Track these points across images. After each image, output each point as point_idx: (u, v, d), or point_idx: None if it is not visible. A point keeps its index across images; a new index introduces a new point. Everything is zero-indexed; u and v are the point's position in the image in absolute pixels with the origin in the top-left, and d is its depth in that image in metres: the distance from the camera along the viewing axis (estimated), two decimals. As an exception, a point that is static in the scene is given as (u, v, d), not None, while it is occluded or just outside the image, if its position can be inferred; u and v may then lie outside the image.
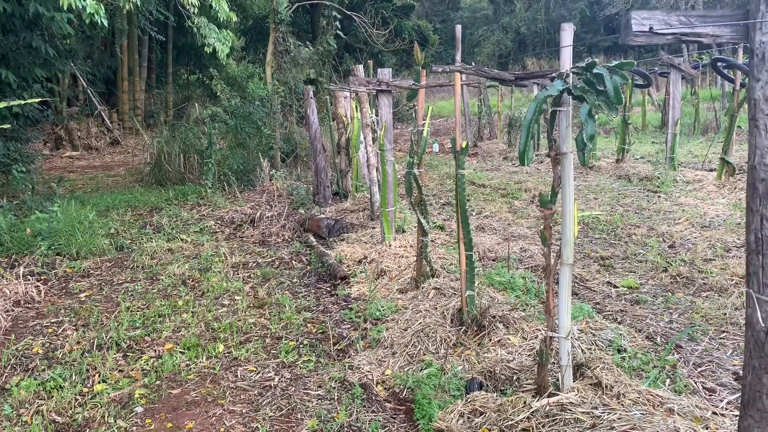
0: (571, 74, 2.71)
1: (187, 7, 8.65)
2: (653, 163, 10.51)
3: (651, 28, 2.05)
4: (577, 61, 2.80)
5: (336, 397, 3.46)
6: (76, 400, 3.52)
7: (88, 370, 3.88)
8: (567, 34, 2.89)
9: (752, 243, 2.02)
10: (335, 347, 4.17)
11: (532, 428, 2.78)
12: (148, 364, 3.97)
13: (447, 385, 3.43)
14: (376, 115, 7.12)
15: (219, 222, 8.04)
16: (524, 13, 38.38)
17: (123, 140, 18.07)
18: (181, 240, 7.16)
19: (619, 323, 4.23)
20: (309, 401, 3.44)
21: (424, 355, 3.84)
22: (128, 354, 4.16)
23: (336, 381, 3.63)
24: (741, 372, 2.35)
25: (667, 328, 4.17)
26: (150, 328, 4.58)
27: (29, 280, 5.60)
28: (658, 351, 3.76)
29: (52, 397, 3.54)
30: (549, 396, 2.97)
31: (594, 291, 4.98)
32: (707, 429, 2.75)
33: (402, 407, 3.37)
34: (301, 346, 4.22)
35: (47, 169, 13.34)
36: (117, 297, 5.34)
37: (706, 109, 15.85)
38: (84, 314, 4.90)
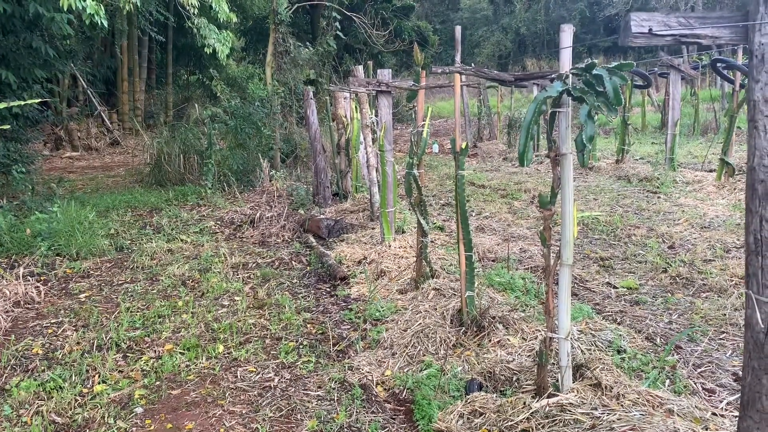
0: (570, 75, 2.72)
1: (187, 7, 8.65)
2: (653, 164, 10.51)
3: (650, 29, 2.06)
4: (576, 61, 2.81)
5: (336, 398, 3.46)
6: (76, 400, 3.52)
7: (87, 371, 3.88)
8: (566, 35, 2.89)
9: (751, 244, 2.03)
10: (335, 348, 4.17)
11: (532, 429, 2.78)
12: (147, 365, 3.97)
13: (447, 385, 3.43)
14: (376, 116, 7.13)
15: (219, 222, 8.05)
16: (524, 14, 38.40)
17: (123, 141, 18.08)
18: (181, 240, 7.16)
19: (619, 324, 4.24)
20: (309, 402, 3.44)
21: (424, 355, 3.84)
22: (128, 355, 4.16)
23: (336, 382, 3.64)
24: (740, 373, 2.35)
25: (667, 329, 4.17)
26: (150, 328, 4.59)
27: (29, 280, 5.60)
28: (657, 352, 3.77)
29: (52, 397, 3.54)
30: (549, 397, 2.97)
31: (593, 292, 4.98)
32: (707, 430, 2.75)
33: (402, 408, 3.37)
34: (301, 346, 4.22)
35: (47, 169, 13.34)
36: (117, 297, 5.34)
37: (705, 109, 15.86)
38: (84, 315, 4.90)
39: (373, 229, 6.93)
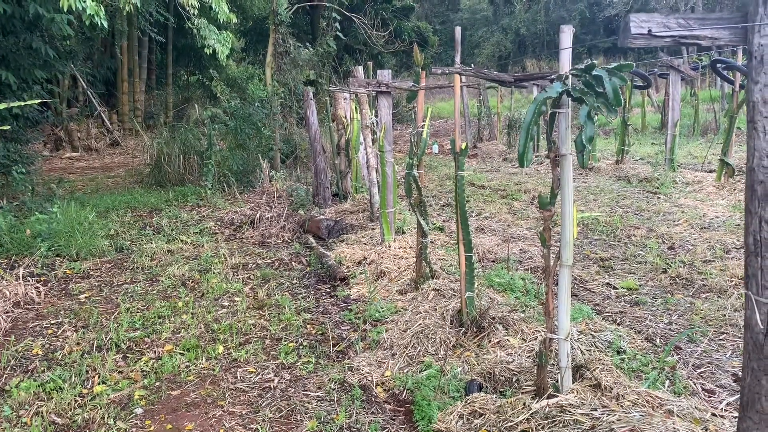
0: (570, 76, 2.72)
1: (187, 8, 8.65)
2: (653, 165, 10.51)
3: (650, 30, 2.06)
4: (576, 62, 2.81)
5: (335, 399, 3.46)
6: (76, 401, 3.52)
7: (87, 372, 3.88)
8: (566, 36, 2.90)
9: (751, 245, 2.03)
10: (335, 348, 4.17)
11: (532, 430, 2.78)
12: (147, 366, 3.98)
13: (446, 386, 3.43)
14: (376, 117, 7.13)
15: (219, 223, 8.05)
16: (524, 15, 38.41)
17: (123, 141, 18.08)
18: (181, 241, 7.16)
19: (619, 324, 4.24)
20: (308, 402, 3.45)
21: (424, 356, 3.84)
22: (128, 355, 4.16)
23: (335, 382, 3.64)
24: (740, 374, 2.35)
25: (667, 330, 4.18)
26: (150, 329, 4.59)
27: (29, 281, 5.60)
28: (657, 352, 3.77)
29: (52, 398, 3.54)
30: (548, 397, 2.97)
31: (593, 292, 4.98)
32: (706, 430, 2.75)
33: (401, 409, 3.37)
34: (301, 347, 4.22)
35: (47, 170, 13.34)
36: (117, 298, 5.34)
37: (705, 110, 15.86)
38: (84, 315, 4.90)
39: (372, 229, 6.93)
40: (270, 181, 9.67)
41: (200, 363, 4.00)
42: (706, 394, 3.29)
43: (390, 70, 6.47)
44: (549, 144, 2.91)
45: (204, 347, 4.23)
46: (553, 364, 3.20)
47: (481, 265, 5.67)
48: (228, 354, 4.14)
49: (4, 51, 8.29)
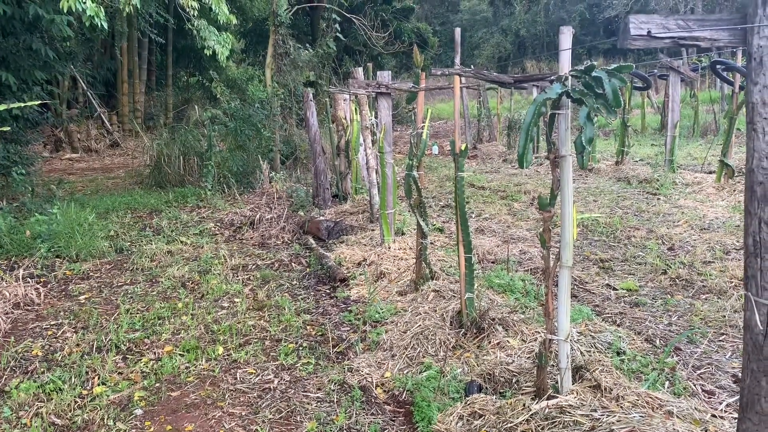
0: (570, 77, 2.72)
1: (187, 9, 8.66)
2: (652, 166, 10.51)
3: (649, 31, 2.06)
4: (576, 63, 2.81)
5: (335, 400, 3.46)
6: (76, 402, 3.52)
7: (87, 373, 3.88)
8: (566, 37, 2.90)
9: (750, 246, 2.03)
10: (334, 350, 4.17)
11: (532, 431, 2.78)
12: (147, 367, 3.97)
13: (446, 387, 3.43)
14: (376, 118, 7.13)
15: (218, 224, 8.05)
16: (524, 16, 38.43)
17: (123, 142, 18.08)
18: (181, 242, 7.16)
19: (619, 326, 4.24)
20: (308, 404, 3.44)
21: (424, 357, 3.84)
22: (128, 356, 4.16)
23: (335, 383, 3.64)
24: (740, 375, 2.36)
25: (667, 331, 4.18)
26: (149, 330, 4.59)
27: (29, 282, 5.60)
28: (657, 353, 3.77)
29: (52, 399, 3.54)
30: (548, 398, 2.97)
31: (593, 293, 4.98)
32: (706, 431, 2.75)
33: (401, 410, 3.37)
34: (301, 348, 4.22)
35: (47, 171, 13.35)
36: (116, 299, 5.34)
37: (705, 111, 15.87)
38: (83, 316, 4.90)
39: (372, 230, 6.93)
40: (270, 182, 9.67)
41: (200, 364, 4.00)
42: (705, 395, 3.29)
43: (390, 72, 6.47)
44: (549, 145, 2.92)
45: (204, 348, 4.23)
46: (553, 365, 3.20)
47: (481, 267, 5.68)
48: (228, 355, 4.14)
49: (4, 52, 8.30)
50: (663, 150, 10.77)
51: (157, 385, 3.74)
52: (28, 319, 4.93)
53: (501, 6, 40.08)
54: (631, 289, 5.02)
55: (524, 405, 2.94)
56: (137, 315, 4.91)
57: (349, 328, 4.55)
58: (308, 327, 4.62)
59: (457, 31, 4.62)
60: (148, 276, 6.00)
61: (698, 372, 3.56)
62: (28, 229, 6.76)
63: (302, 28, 22.42)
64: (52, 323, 4.82)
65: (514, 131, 14.31)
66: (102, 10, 7.07)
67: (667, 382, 3.38)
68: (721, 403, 3.17)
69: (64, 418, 3.36)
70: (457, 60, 4.23)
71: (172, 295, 5.43)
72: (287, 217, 8.00)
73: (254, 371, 3.89)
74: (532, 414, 2.86)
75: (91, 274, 6.14)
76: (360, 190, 8.75)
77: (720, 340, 3.98)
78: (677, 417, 2.79)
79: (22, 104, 5.41)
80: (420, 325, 4.14)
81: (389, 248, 6.03)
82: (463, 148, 4.14)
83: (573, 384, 3.06)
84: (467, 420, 3.01)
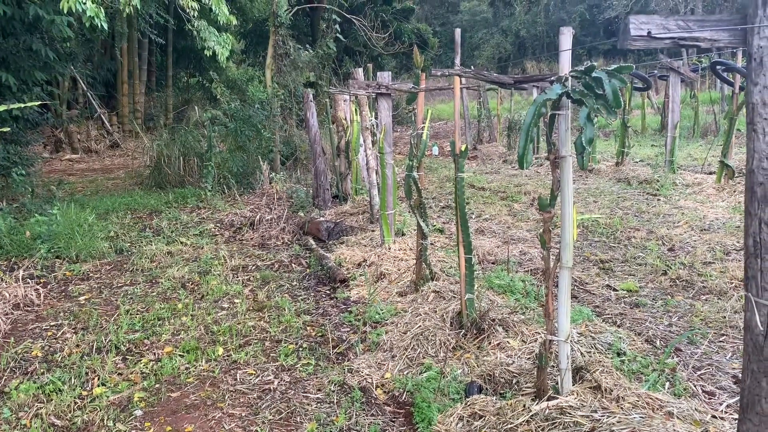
0: (570, 78, 2.72)
1: (187, 10, 8.66)
2: (653, 166, 10.51)
3: (649, 32, 2.06)
4: (576, 64, 2.81)
5: (335, 401, 3.45)
6: (75, 403, 3.52)
7: (87, 374, 3.88)
8: (566, 37, 2.90)
9: (750, 246, 2.03)
10: (335, 350, 4.17)
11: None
12: (147, 368, 3.97)
13: (446, 388, 3.43)
14: (376, 118, 7.13)
15: (218, 225, 8.05)
16: (524, 17, 38.45)
17: (123, 143, 18.09)
18: (181, 243, 7.16)
19: (619, 326, 4.23)
20: (308, 404, 3.44)
21: (424, 358, 3.83)
22: (127, 357, 4.16)
23: (335, 384, 3.63)
24: (740, 375, 2.35)
25: (667, 332, 4.17)
26: (149, 331, 4.58)
27: (29, 283, 5.60)
28: (657, 354, 3.76)
29: (52, 400, 3.54)
30: (548, 399, 2.97)
31: (593, 294, 4.98)
32: (706, 432, 2.75)
33: (401, 411, 3.37)
34: (301, 349, 4.22)
35: (47, 172, 13.35)
36: (116, 300, 5.34)
37: (705, 112, 15.87)
38: (83, 317, 4.90)
39: (372, 231, 6.93)
40: (270, 183, 9.66)
41: (200, 365, 4.00)
42: (706, 395, 3.29)
43: (390, 72, 6.47)
44: (549, 146, 2.91)
45: (204, 349, 4.23)
46: (553, 366, 3.20)
47: (481, 267, 5.67)
48: (228, 356, 4.14)
49: (4, 53, 8.30)
50: (663, 151, 10.77)
51: (157, 386, 3.74)
52: (27, 320, 4.93)
53: (501, 7, 40.09)
54: (631, 290, 5.02)
55: (524, 406, 2.94)
56: (137, 316, 4.91)
57: (349, 329, 4.55)
58: (308, 328, 4.62)
59: (457, 31, 4.62)
60: (148, 277, 6.00)
61: (698, 373, 3.55)
62: (28, 229, 6.76)
63: (302, 28, 22.42)
64: (51, 324, 4.82)
65: (514, 132, 14.31)
66: (102, 10, 7.08)
67: (667, 383, 3.38)
68: (721, 404, 3.16)
69: (64, 419, 3.36)
70: (457, 61, 4.22)
71: (172, 295, 5.43)
72: (287, 217, 8.00)
73: (254, 372, 3.89)
74: (532, 415, 2.86)
75: (91, 274, 6.14)
76: (360, 190, 8.75)
77: (720, 341, 3.98)
78: (677, 418, 2.79)
79: (22, 105, 5.40)
80: (420, 326, 4.14)
81: (389, 249, 6.03)
82: (463, 148, 4.14)
83: (573, 385, 3.06)
84: (467, 421, 3.01)
